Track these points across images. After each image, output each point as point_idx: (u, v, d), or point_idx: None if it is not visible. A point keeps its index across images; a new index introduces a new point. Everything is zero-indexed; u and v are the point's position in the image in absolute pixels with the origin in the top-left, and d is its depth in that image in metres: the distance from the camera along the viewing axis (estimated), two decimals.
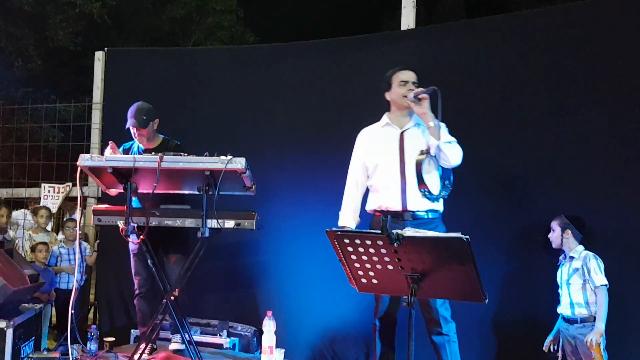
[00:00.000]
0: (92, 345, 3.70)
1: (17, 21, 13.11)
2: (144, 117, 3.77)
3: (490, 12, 4.83)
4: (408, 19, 4.46)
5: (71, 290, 4.86)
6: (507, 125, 3.93)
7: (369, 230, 2.32)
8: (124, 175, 3.36)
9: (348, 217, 3.48)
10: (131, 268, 3.95)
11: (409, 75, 3.36)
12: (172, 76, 5.05)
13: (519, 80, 3.91)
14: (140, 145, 3.89)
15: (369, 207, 3.45)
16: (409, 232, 2.26)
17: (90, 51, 5.52)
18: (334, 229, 2.39)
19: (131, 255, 3.92)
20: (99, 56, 5.41)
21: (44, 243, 5.10)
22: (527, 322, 3.73)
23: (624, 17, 3.63)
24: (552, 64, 3.82)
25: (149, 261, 3.57)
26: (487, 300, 2.34)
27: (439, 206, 3.31)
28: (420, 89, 3.23)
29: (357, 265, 2.45)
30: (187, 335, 3.58)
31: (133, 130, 3.82)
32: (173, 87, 4.97)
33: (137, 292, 3.93)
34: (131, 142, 3.98)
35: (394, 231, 2.25)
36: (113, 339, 3.79)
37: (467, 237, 2.12)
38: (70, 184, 5.99)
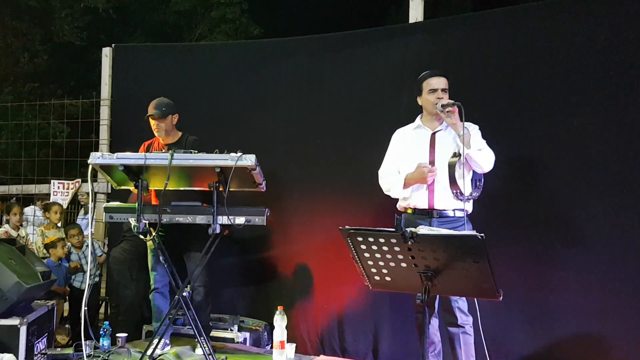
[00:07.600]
0: (105, 341, 3.72)
1: (22, 16, 13.14)
2: (164, 109, 3.92)
3: (497, 3, 4.77)
4: (416, 12, 4.42)
5: (84, 290, 4.91)
6: (517, 117, 3.90)
7: (382, 229, 2.32)
8: (135, 172, 3.37)
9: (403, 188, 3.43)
10: (148, 263, 4.01)
11: (438, 82, 3.41)
12: (180, 72, 5.05)
13: (529, 72, 3.88)
14: (161, 140, 4.00)
15: (399, 205, 3.52)
16: (423, 230, 2.26)
17: (95, 46, 5.54)
18: (347, 227, 2.40)
19: (149, 251, 3.96)
20: (107, 52, 5.40)
21: (62, 239, 5.10)
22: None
23: (632, 10, 3.59)
24: (562, 55, 3.78)
25: (161, 258, 3.59)
26: (501, 297, 2.34)
27: (468, 206, 3.37)
28: (447, 101, 3.30)
29: (370, 262, 2.46)
30: (199, 331, 3.58)
31: (152, 121, 3.94)
32: (181, 83, 4.97)
33: (153, 287, 3.96)
34: (151, 140, 4.07)
35: (408, 229, 2.25)
36: (125, 334, 3.80)
37: (482, 235, 2.12)
38: (79, 180, 6.02)
